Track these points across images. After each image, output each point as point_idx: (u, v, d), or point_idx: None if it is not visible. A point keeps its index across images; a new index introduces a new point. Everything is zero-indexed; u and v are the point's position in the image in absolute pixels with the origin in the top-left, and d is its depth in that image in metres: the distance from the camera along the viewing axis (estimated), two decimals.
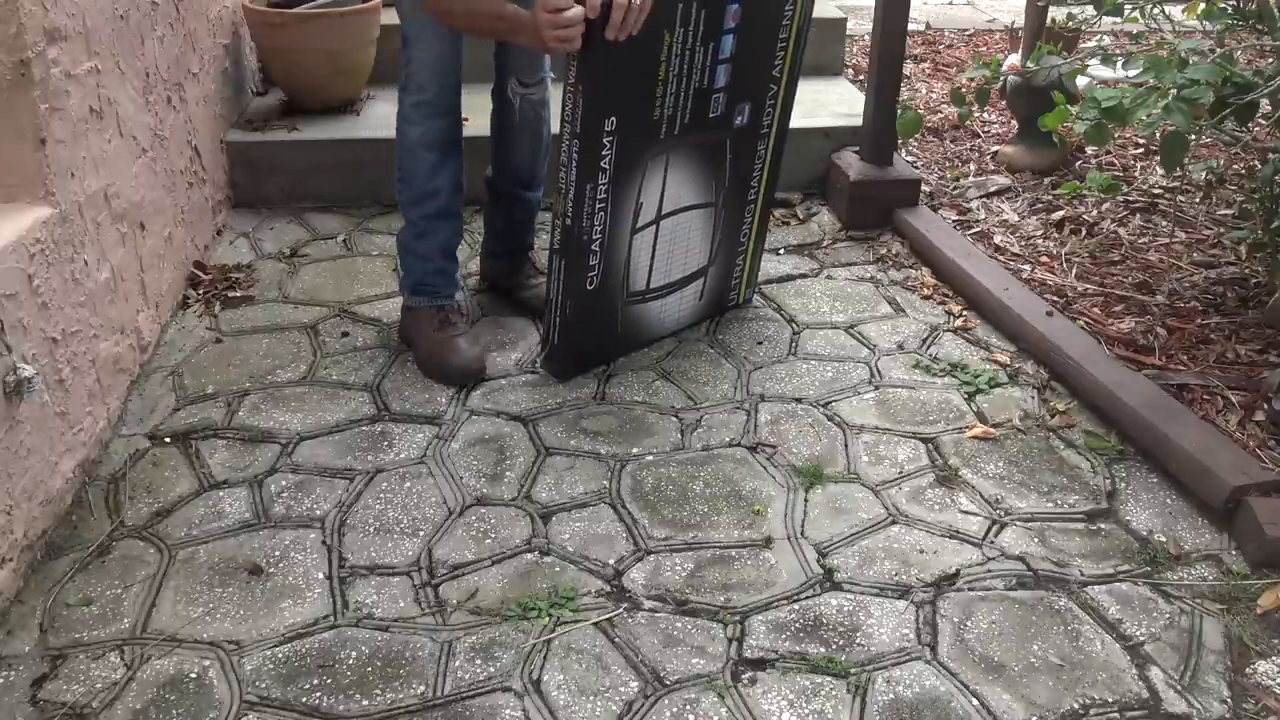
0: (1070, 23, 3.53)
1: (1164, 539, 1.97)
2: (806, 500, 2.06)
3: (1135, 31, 2.76)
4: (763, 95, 2.42)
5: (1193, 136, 2.42)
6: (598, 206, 2.20)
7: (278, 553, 1.91)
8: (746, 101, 2.39)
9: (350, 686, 1.64)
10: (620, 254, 2.33)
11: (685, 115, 2.27)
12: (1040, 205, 3.23)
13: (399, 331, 2.53)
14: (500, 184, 2.61)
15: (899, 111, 3.01)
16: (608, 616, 1.78)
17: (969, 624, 1.77)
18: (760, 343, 2.58)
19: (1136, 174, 3.44)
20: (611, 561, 1.90)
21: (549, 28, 1.99)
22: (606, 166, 2.17)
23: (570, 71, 2.07)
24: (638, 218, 2.31)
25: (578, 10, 1.98)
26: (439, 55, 2.26)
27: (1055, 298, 2.68)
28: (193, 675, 1.66)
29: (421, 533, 1.96)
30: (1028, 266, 2.86)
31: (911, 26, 3.91)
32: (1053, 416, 2.31)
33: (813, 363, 2.50)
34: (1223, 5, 2.50)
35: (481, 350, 2.46)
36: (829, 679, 1.67)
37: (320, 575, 1.86)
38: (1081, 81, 3.22)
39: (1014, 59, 3.65)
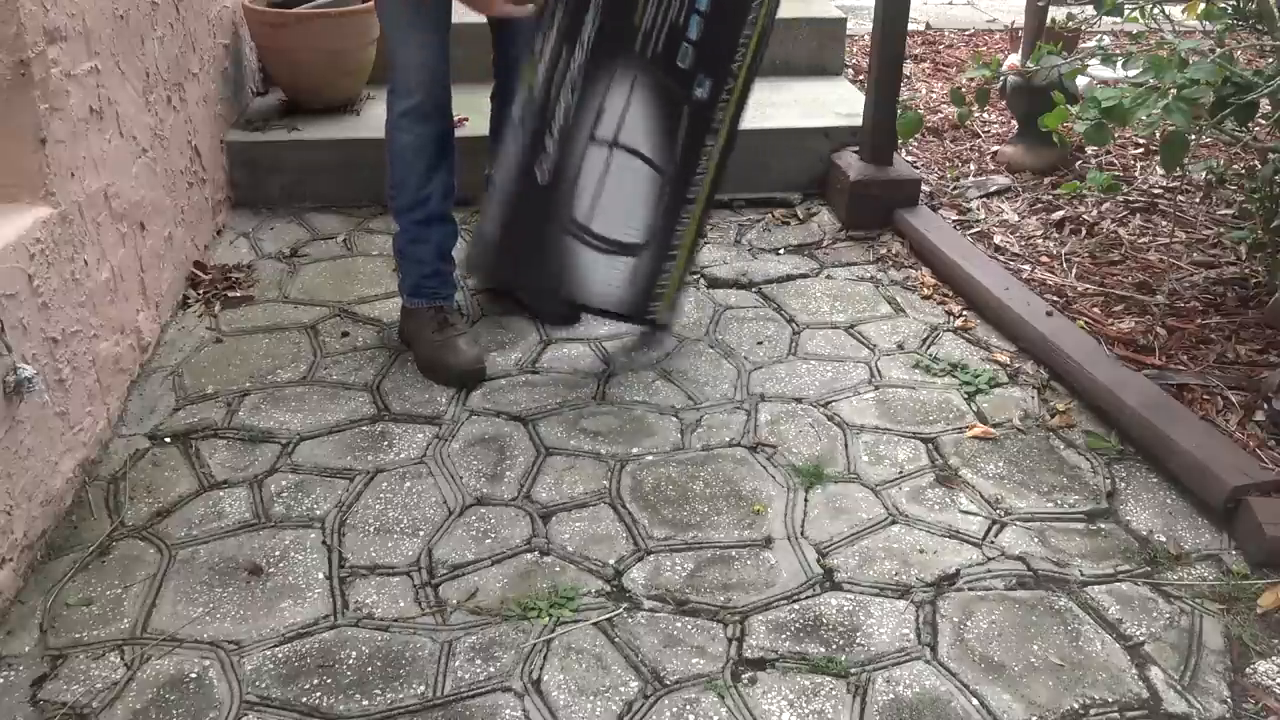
0: (1070, 23, 3.53)
1: (1164, 539, 1.97)
2: (806, 500, 2.06)
3: (1135, 31, 2.76)
4: (721, 81, 2.38)
5: (1193, 136, 2.42)
6: (568, 81, 2.16)
7: (278, 553, 1.91)
8: (709, 77, 2.36)
9: (350, 686, 1.64)
10: (574, 158, 2.26)
11: (659, 43, 2.25)
12: (1040, 205, 3.23)
13: (399, 333, 2.54)
14: None
15: (899, 111, 3.02)
16: (608, 616, 1.78)
17: (969, 624, 1.77)
18: (760, 343, 2.58)
19: (1136, 174, 3.44)
20: (611, 561, 1.90)
21: None
22: (585, 41, 2.14)
23: None
24: (597, 125, 2.26)
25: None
26: (424, 60, 2.25)
27: (1055, 298, 2.68)
28: (193, 675, 1.66)
29: (421, 533, 1.96)
30: (1028, 266, 2.86)
31: (911, 26, 3.91)
32: (1053, 416, 2.31)
33: (813, 363, 2.50)
34: (1223, 5, 2.50)
35: (481, 350, 2.46)
36: (829, 679, 1.67)
37: (320, 575, 1.86)
38: (1081, 81, 3.23)
39: (1014, 59, 3.65)
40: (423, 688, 1.64)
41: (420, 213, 2.38)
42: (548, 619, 1.77)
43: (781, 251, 3.04)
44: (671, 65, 2.31)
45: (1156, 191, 3.29)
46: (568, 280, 2.41)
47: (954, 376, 2.45)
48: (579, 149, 2.27)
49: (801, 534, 1.97)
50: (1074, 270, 2.84)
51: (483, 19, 2.37)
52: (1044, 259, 2.91)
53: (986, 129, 3.86)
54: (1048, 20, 3.55)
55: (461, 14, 2.26)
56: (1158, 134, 2.84)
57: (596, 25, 2.16)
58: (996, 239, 3.02)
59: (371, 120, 3.34)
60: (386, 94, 2.34)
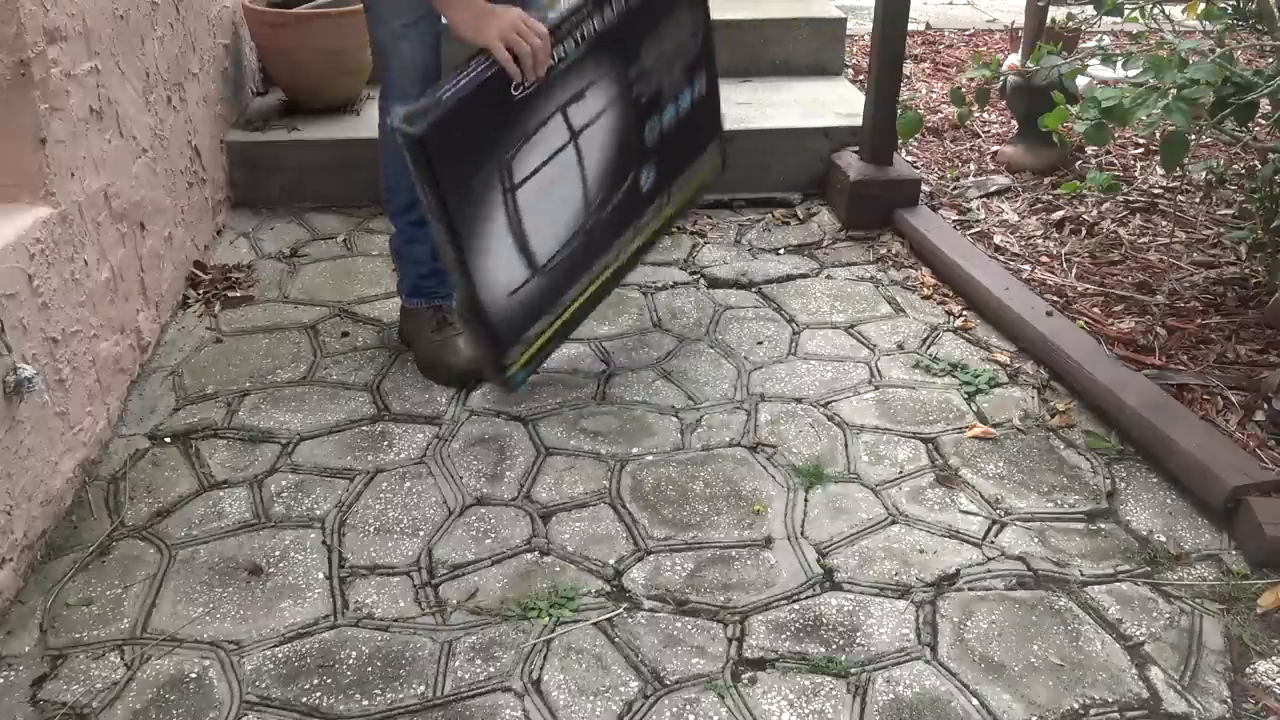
0: (1070, 23, 3.53)
1: (1164, 539, 1.97)
2: (806, 500, 2.06)
3: (1135, 31, 2.76)
4: (660, 189, 2.43)
5: (1193, 136, 2.42)
6: (577, 35, 2.10)
7: (278, 553, 1.91)
8: (655, 173, 2.40)
9: (350, 686, 1.64)
10: (545, 108, 2.11)
11: (644, 91, 2.28)
12: (1040, 205, 3.23)
13: (399, 333, 2.54)
14: None
15: (899, 111, 3.02)
16: (608, 616, 1.78)
17: (969, 624, 1.77)
18: (760, 343, 2.58)
19: (1136, 174, 3.44)
20: (611, 561, 1.90)
21: (512, 31, 1.93)
22: (606, 16, 2.14)
23: None
24: (572, 104, 2.16)
25: (542, 56, 1.98)
26: (417, 60, 2.23)
27: (1055, 298, 2.68)
28: (193, 675, 1.66)
29: (421, 533, 1.96)
30: (1028, 266, 2.86)
31: (911, 26, 3.91)
32: (1053, 416, 2.31)
33: (813, 363, 2.50)
34: (1223, 5, 2.50)
35: None
36: (829, 679, 1.67)
37: (320, 575, 1.86)
38: (1081, 81, 3.23)
39: (1014, 59, 3.65)
40: (423, 688, 1.64)
41: (416, 213, 2.37)
42: (548, 619, 1.77)
43: (781, 251, 3.04)
44: (641, 126, 2.34)
45: (1156, 191, 3.29)
46: (476, 234, 2.08)
47: (954, 376, 2.45)
48: (551, 107, 2.14)
49: (801, 534, 1.97)
50: (1074, 270, 2.84)
51: None
52: (1044, 259, 2.91)
53: (986, 129, 3.85)
54: (1048, 20, 3.54)
55: None
56: (1158, 134, 2.84)
57: (620, 12, 2.15)
58: (996, 239, 3.02)
59: (371, 120, 3.33)
60: (379, 95, 2.33)
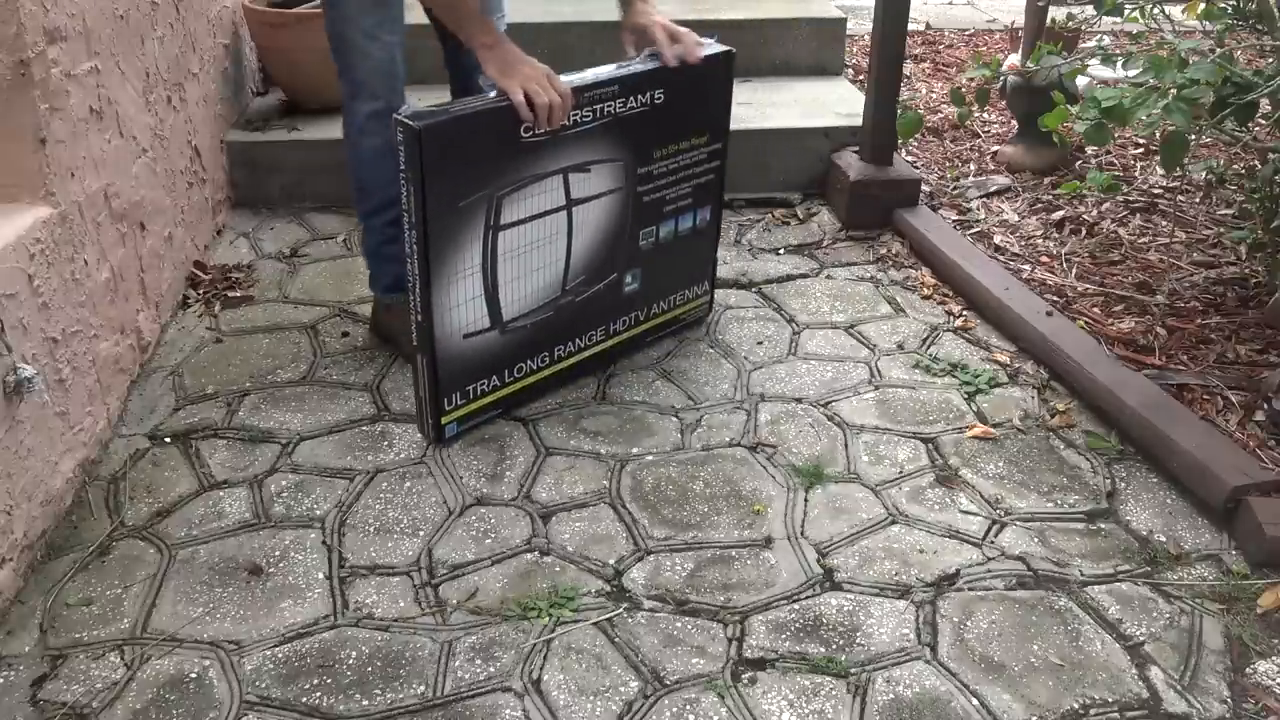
0: (1070, 23, 3.53)
1: (1164, 539, 1.97)
2: (806, 500, 2.06)
3: (1135, 31, 2.76)
4: (638, 305, 2.46)
5: (1193, 136, 2.42)
6: (597, 108, 2.14)
7: (278, 553, 1.91)
8: (638, 280, 2.42)
9: (350, 686, 1.64)
10: (549, 163, 2.11)
11: (647, 198, 2.33)
12: (1040, 205, 3.23)
13: (374, 328, 2.52)
14: None
15: (899, 111, 3.02)
16: (608, 616, 1.78)
17: (969, 624, 1.77)
18: (760, 343, 2.58)
19: (1136, 174, 3.44)
20: (611, 561, 1.90)
21: (534, 83, 1.98)
22: (626, 112, 2.20)
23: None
24: (575, 173, 2.17)
25: (559, 110, 2.01)
26: (387, 60, 2.23)
27: (1055, 298, 2.68)
28: (193, 675, 1.66)
29: (421, 533, 1.96)
30: (1028, 266, 2.86)
31: (911, 26, 3.91)
32: (1053, 416, 2.31)
33: (813, 363, 2.50)
34: (1223, 5, 2.50)
35: None
36: (829, 679, 1.67)
37: (320, 575, 1.86)
38: (1081, 81, 3.23)
39: (1014, 59, 3.65)
40: (423, 688, 1.64)
41: (391, 213, 2.34)
42: (548, 619, 1.77)
43: (781, 251, 3.04)
44: (638, 228, 2.36)
45: (1156, 191, 3.29)
46: (448, 258, 2.04)
47: (954, 376, 2.45)
48: (555, 165, 2.13)
49: (801, 534, 1.97)
50: (1074, 270, 2.84)
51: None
52: (1044, 259, 2.91)
53: (986, 129, 3.86)
54: (1048, 20, 3.55)
55: (416, 15, 2.24)
56: (1158, 134, 2.84)
57: (643, 106, 2.21)
58: (996, 239, 3.02)
59: None
60: (346, 99, 2.28)
